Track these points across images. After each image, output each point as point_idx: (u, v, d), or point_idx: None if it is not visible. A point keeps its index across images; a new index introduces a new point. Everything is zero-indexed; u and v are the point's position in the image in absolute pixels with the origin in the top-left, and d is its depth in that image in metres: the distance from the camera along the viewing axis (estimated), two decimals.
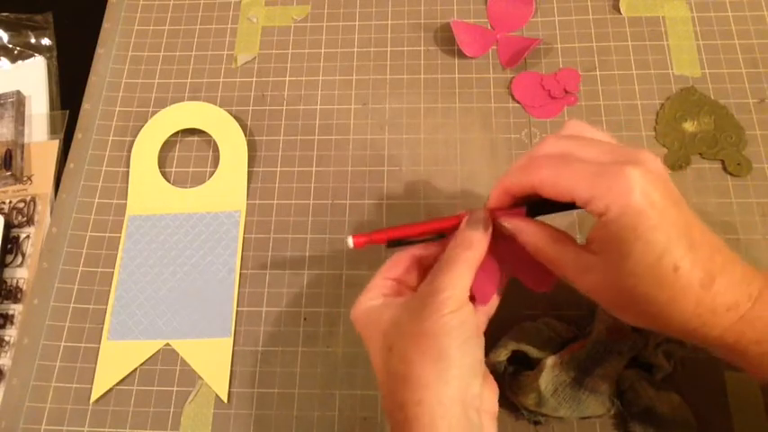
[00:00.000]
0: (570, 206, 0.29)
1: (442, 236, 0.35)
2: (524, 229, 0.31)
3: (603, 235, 0.28)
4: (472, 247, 0.31)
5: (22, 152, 0.51)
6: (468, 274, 0.31)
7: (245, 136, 0.49)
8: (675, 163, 0.46)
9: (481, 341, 0.31)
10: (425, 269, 0.33)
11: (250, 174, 0.49)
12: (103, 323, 0.44)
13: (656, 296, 0.27)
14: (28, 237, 0.48)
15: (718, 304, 0.27)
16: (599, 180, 0.27)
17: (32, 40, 0.56)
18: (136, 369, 0.43)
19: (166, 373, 0.43)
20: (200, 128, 0.50)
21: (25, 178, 0.50)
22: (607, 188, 0.27)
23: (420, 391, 0.28)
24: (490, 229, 0.32)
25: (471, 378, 0.30)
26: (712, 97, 0.48)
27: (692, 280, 0.27)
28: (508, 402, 0.39)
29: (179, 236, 0.47)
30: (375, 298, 0.33)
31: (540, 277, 0.34)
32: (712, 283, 0.27)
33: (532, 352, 0.39)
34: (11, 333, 0.45)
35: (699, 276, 0.27)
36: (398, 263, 0.34)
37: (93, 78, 0.53)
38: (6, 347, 0.45)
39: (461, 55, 0.51)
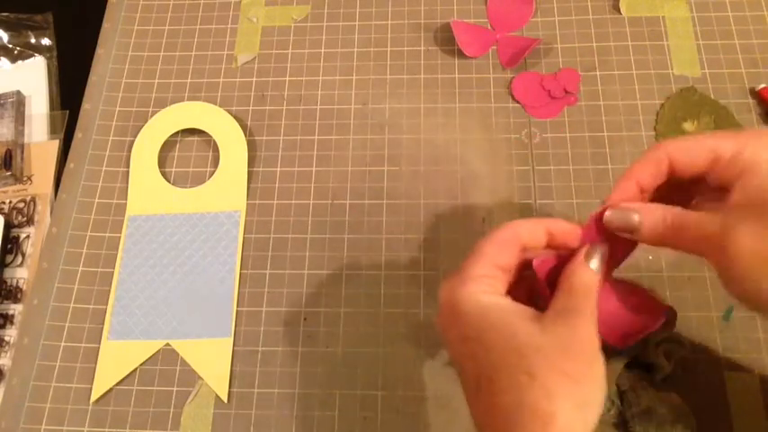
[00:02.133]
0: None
1: None
2: (652, 210, 0.29)
3: (750, 193, 0.26)
4: (593, 290, 0.29)
5: (22, 152, 0.51)
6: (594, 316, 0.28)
7: (245, 136, 0.49)
8: None
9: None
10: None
11: (250, 174, 0.49)
12: (103, 323, 0.44)
13: None
14: (28, 237, 0.48)
15: None
16: (743, 136, 0.27)
17: (32, 40, 0.56)
18: (136, 369, 0.43)
19: (166, 373, 0.43)
20: (200, 128, 0.50)
21: (25, 178, 0.50)
22: (756, 137, 0.27)
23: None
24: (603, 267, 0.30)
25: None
26: (712, 97, 0.48)
27: None
28: None
29: (179, 236, 0.47)
30: (485, 292, 0.29)
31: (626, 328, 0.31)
32: None
33: None
34: (11, 333, 0.45)
35: None
36: (508, 246, 0.30)
37: (93, 78, 0.53)
38: (6, 347, 0.45)
39: (461, 55, 0.51)
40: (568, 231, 0.31)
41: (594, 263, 0.29)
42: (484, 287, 0.29)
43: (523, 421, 0.25)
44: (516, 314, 0.28)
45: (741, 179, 0.27)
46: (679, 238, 0.28)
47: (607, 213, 0.30)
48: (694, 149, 0.29)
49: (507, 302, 0.29)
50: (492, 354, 0.27)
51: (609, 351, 0.37)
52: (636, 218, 0.29)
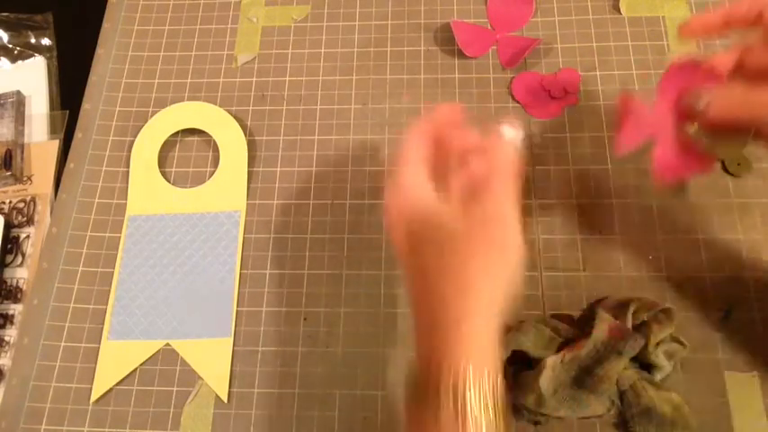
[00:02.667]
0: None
1: None
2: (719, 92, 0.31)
3: None
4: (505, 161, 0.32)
5: (22, 152, 0.51)
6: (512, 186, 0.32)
7: (245, 136, 0.49)
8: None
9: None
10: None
11: (250, 174, 0.49)
12: (103, 323, 0.44)
13: None
14: (28, 237, 0.48)
15: None
16: None
17: (32, 40, 0.56)
18: (136, 369, 0.43)
19: (166, 373, 0.43)
20: (200, 128, 0.50)
21: (25, 178, 0.50)
22: None
23: (479, 302, 0.29)
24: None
25: (512, 295, 0.30)
26: None
27: None
28: (508, 402, 0.39)
29: (179, 236, 0.47)
30: (419, 187, 0.32)
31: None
32: None
33: (532, 352, 0.39)
34: (11, 333, 0.45)
35: None
36: (422, 142, 0.33)
37: (93, 78, 0.53)
38: (6, 347, 0.45)
39: (461, 55, 0.51)
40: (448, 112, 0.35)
41: (509, 133, 0.33)
42: (416, 182, 0.32)
43: (445, 295, 0.29)
44: (444, 201, 0.31)
45: None
46: (743, 110, 0.30)
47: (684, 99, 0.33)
48: None
49: (434, 194, 0.32)
50: (426, 241, 0.31)
51: (609, 351, 0.37)
52: (701, 104, 0.32)
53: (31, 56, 0.56)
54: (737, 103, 0.30)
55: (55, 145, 0.51)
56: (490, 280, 0.29)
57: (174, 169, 0.50)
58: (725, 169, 0.45)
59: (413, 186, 0.32)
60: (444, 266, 0.30)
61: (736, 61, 0.33)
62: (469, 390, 0.27)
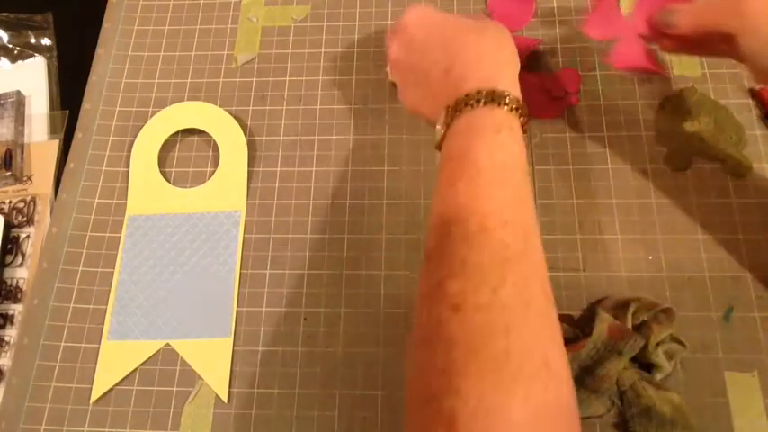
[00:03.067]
0: None
1: None
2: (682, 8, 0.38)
3: None
4: None
5: (22, 152, 0.51)
6: None
7: (245, 136, 0.49)
8: (675, 163, 0.46)
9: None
10: None
11: (250, 174, 0.49)
12: (103, 323, 0.44)
13: None
14: (28, 237, 0.48)
15: None
16: None
17: (32, 40, 0.56)
18: (136, 369, 0.43)
19: (166, 373, 0.43)
20: (200, 128, 0.50)
21: (25, 178, 0.50)
22: None
23: (503, 68, 0.38)
24: None
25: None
26: (712, 97, 0.48)
27: None
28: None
29: (179, 236, 0.47)
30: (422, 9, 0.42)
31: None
32: None
33: None
34: (11, 333, 0.45)
35: None
36: None
37: (93, 78, 0.53)
38: (6, 347, 0.45)
39: None
40: None
41: None
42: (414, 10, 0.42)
43: (474, 74, 0.36)
44: (443, 12, 0.42)
45: None
46: (708, 18, 0.37)
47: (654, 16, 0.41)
48: None
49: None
50: (449, 37, 0.39)
51: (609, 351, 0.37)
52: (672, 17, 0.39)
53: (31, 56, 0.56)
54: (703, 14, 0.37)
55: (55, 145, 0.51)
56: (495, 43, 0.38)
57: (174, 169, 0.50)
58: (725, 169, 0.45)
59: (414, 11, 0.42)
60: (456, 38, 0.38)
61: None
62: (506, 98, 0.34)
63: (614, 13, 0.45)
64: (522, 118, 0.35)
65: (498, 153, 0.33)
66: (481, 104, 0.34)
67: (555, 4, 0.53)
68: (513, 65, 0.38)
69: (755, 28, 0.34)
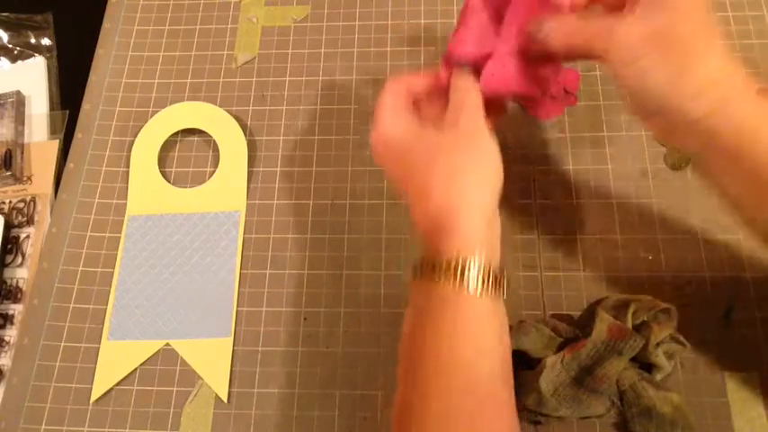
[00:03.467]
0: None
1: None
2: (554, 22, 0.34)
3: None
4: (470, 92, 0.35)
5: (22, 152, 0.51)
6: (481, 109, 0.35)
7: (245, 136, 0.49)
8: (675, 163, 0.46)
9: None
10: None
11: (250, 174, 0.49)
12: (103, 323, 0.44)
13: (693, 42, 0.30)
14: (28, 237, 0.48)
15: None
16: None
17: (32, 40, 0.56)
18: (136, 369, 0.43)
19: (166, 373, 0.43)
20: (200, 128, 0.50)
21: (25, 178, 0.50)
22: None
23: (465, 196, 0.32)
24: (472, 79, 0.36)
25: (497, 192, 0.33)
26: None
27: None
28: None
29: (179, 236, 0.47)
30: (401, 123, 0.36)
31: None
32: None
33: (532, 352, 0.39)
34: (11, 333, 0.45)
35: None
36: (401, 94, 0.37)
37: (93, 78, 0.53)
38: (6, 347, 0.45)
39: None
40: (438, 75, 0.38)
41: (466, 72, 0.36)
42: (397, 120, 0.36)
43: (434, 208, 0.32)
44: (422, 128, 0.35)
45: None
46: (577, 38, 0.33)
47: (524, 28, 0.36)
48: None
49: (415, 124, 0.36)
50: (410, 164, 0.34)
51: (609, 351, 0.37)
52: (540, 34, 0.34)
53: (31, 56, 0.56)
54: (572, 32, 0.33)
55: (55, 145, 0.51)
56: (471, 174, 0.33)
57: (174, 169, 0.50)
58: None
59: (391, 119, 0.36)
60: (431, 169, 0.33)
61: None
62: (468, 269, 0.30)
63: (484, 24, 0.37)
64: (493, 282, 0.31)
65: (457, 344, 0.30)
66: (443, 280, 0.31)
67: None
68: (488, 187, 0.33)
69: (626, 59, 0.31)
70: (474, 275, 0.30)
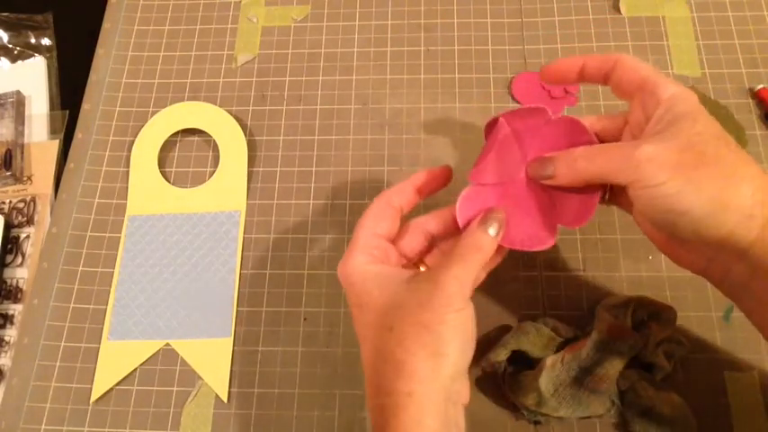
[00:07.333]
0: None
1: None
2: (562, 156, 0.31)
3: (663, 116, 0.29)
4: (482, 251, 0.31)
5: (22, 152, 0.51)
6: (476, 274, 0.30)
7: (245, 136, 0.49)
8: None
9: (474, 342, 0.30)
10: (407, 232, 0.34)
11: (250, 174, 0.49)
12: (103, 323, 0.44)
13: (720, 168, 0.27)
14: (28, 237, 0.48)
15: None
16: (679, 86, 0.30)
17: (32, 40, 0.56)
18: (136, 369, 0.43)
19: (166, 373, 0.43)
20: (200, 128, 0.50)
21: (25, 178, 0.50)
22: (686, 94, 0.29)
23: (413, 383, 0.28)
24: (502, 233, 0.32)
25: (460, 376, 0.30)
26: (712, 97, 0.48)
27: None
28: (508, 402, 0.39)
29: (179, 236, 0.47)
30: (369, 262, 0.32)
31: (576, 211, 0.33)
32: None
33: (532, 352, 0.39)
34: (11, 333, 0.45)
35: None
36: (383, 216, 0.33)
37: (93, 78, 0.53)
38: (6, 347, 0.45)
39: (461, 55, 0.51)
40: (433, 177, 0.35)
41: (493, 229, 0.31)
42: (367, 258, 0.32)
43: (386, 371, 0.29)
44: (391, 278, 0.31)
45: (661, 108, 0.29)
46: (590, 173, 0.30)
47: (528, 168, 0.33)
48: (641, 67, 0.31)
49: (386, 269, 0.32)
50: (369, 316, 0.30)
51: (609, 351, 0.37)
52: (549, 170, 0.32)
53: (31, 56, 0.56)
54: (584, 169, 0.30)
55: (55, 145, 0.51)
56: (427, 359, 0.28)
57: (174, 169, 0.50)
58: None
59: (361, 256, 0.32)
60: (383, 341, 0.30)
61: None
62: None
63: (510, 156, 0.34)
64: None
65: None
66: None
67: (555, 5, 0.53)
68: (446, 369, 0.29)
69: (654, 184, 0.28)
70: None
